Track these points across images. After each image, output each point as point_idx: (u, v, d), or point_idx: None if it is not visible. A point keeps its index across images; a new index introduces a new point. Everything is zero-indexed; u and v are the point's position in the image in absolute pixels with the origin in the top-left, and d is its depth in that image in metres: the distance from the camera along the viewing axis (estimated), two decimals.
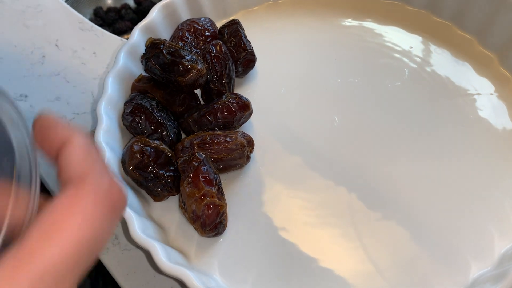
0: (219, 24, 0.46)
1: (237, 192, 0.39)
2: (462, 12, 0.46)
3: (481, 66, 0.44)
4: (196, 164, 0.35)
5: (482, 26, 0.45)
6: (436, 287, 0.34)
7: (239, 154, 0.38)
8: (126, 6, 0.89)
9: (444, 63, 0.45)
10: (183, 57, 0.39)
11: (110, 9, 0.89)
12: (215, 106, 0.39)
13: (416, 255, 0.35)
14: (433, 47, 0.46)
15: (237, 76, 0.44)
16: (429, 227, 0.36)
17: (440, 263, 0.35)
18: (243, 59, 0.43)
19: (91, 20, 0.87)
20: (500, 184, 0.38)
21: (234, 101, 0.40)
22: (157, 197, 0.38)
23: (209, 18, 0.46)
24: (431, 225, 0.36)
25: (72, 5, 0.85)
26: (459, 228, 0.36)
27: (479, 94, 0.43)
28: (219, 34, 0.45)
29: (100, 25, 0.85)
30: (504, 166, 0.39)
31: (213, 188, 0.35)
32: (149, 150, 0.37)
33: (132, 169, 0.36)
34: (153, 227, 0.36)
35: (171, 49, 0.40)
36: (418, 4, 0.47)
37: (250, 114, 0.41)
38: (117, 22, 0.89)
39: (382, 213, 0.37)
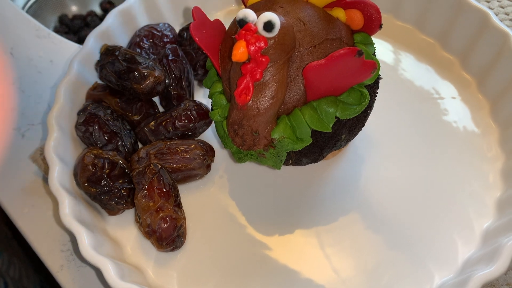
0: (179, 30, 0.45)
1: (197, 203, 0.38)
2: (424, 17, 0.46)
3: (444, 70, 0.44)
4: (151, 175, 0.34)
5: (444, 31, 0.45)
6: None
7: (199, 164, 0.37)
8: (92, 13, 0.87)
9: (408, 67, 0.45)
10: (140, 63, 0.38)
11: (75, 17, 0.87)
12: (173, 114, 0.38)
13: (379, 264, 0.34)
14: (396, 51, 0.46)
15: (196, 79, 0.43)
16: (392, 235, 0.35)
17: (403, 272, 0.34)
18: (203, 61, 0.42)
19: (55, 27, 0.84)
20: (464, 189, 0.37)
21: (193, 108, 0.38)
22: (112, 211, 0.36)
23: (168, 24, 0.44)
24: (395, 233, 0.36)
25: (35, 12, 0.82)
26: (422, 236, 0.35)
27: (442, 98, 0.42)
28: (179, 36, 0.44)
29: (66, 33, 0.83)
30: (468, 171, 0.38)
31: (169, 201, 0.34)
32: (102, 162, 0.35)
33: (84, 182, 0.35)
34: (107, 243, 0.34)
35: (127, 56, 0.38)
36: (382, 9, 0.47)
37: (210, 122, 0.39)
38: (83, 29, 0.87)
39: (344, 221, 0.36)
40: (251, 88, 0.30)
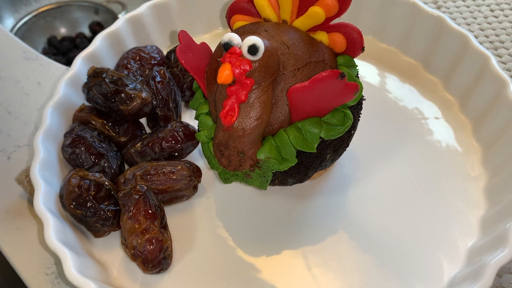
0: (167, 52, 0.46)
1: (183, 225, 0.38)
2: (407, 39, 0.47)
3: (427, 91, 0.45)
4: (137, 197, 0.34)
5: (426, 53, 0.46)
6: None
7: (185, 185, 0.37)
8: (81, 35, 0.87)
9: (392, 88, 0.46)
10: (127, 85, 0.38)
11: (64, 38, 0.87)
12: (160, 135, 0.38)
13: (366, 284, 0.34)
14: (380, 73, 0.47)
15: (184, 101, 0.43)
16: (379, 254, 0.36)
17: None
18: (190, 83, 0.42)
19: (44, 49, 0.84)
20: (449, 209, 0.38)
21: (180, 129, 0.39)
22: (98, 233, 0.36)
23: (156, 46, 0.45)
24: (381, 253, 0.36)
25: (24, 34, 0.83)
26: (408, 255, 0.35)
27: (425, 118, 0.43)
28: (166, 58, 0.44)
29: (54, 54, 0.83)
30: (452, 191, 0.39)
31: (155, 222, 0.34)
32: (88, 183, 0.35)
33: (70, 204, 0.35)
34: (93, 265, 0.34)
35: (114, 78, 0.39)
36: (365, 31, 0.48)
37: (198, 143, 0.40)
38: (71, 51, 0.87)
39: (331, 241, 0.36)
40: (237, 110, 0.30)
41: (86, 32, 0.88)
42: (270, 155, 0.32)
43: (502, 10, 0.54)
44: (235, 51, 0.29)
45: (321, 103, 0.31)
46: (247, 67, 0.29)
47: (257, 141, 0.32)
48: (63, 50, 0.85)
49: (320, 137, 0.32)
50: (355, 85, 0.30)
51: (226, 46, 0.30)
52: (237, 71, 0.29)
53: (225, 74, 0.29)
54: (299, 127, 0.32)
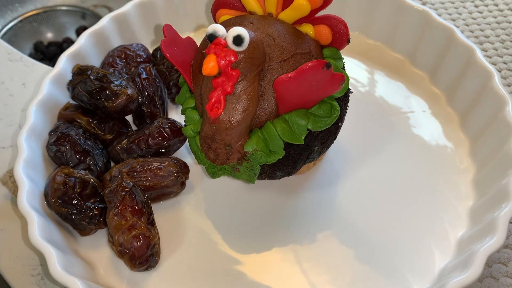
0: (153, 50, 0.45)
1: (171, 222, 0.37)
2: (393, 35, 0.47)
3: (414, 85, 0.45)
4: (123, 193, 0.33)
5: (413, 48, 0.46)
6: None
7: (173, 181, 0.36)
8: (68, 40, 0.87)
9: (379, 83, 0.46)
10: (112, 82, 0.38)
11: (51, 43, 0.87)
12: (146, 131, 0.38)
13: (356, 277, 0.34)
14: (367, 69, 0.47)
15: (170, 98, 0.43)
16: (369, 247, 0.35)
17: (381, 284, 0.33)
18: (176, 80, 0.42)
19: (30, 54, 0.84)
20: (439, 200, 0.38)
21: (166, 126, 0.38)
22: (84, 231, 0.35)
23: (141, 44, 0.45)
24: (371, 246, 0.35)
25: (9, 40, 0.82)
26: (399, 247, 0.35)
27: (413, 112, 0.43)
28: (152, 56, 0.44)
29: (41, 60, 0.82)
30: (442, 183, 0.39)
31: (142, 219, 0.33)
32: (73, 181, 0.34)
33: (55, 202, 0.34)
34: (79, 264, 0.33)
35: (99, 75, 0.38)
36: (352, 27, 0.48)
37: (184, 140, 0.39)
38: (58, 56, 0.86)
39: (320, 236, 0.36)
40: (223, 102, 0.30)
41: (73, 37, 0.87)
42: (258, 147, 0.31)
43: (486, 5, 0.54)
44: (220, 42, 0.29)
45: (307, 94, 0.31)
46: (233, 58, 0.29)
47: (244, 133, 0.31)
48: (49, 55, 0.85)
49: (308, 129, 0.32)
50: (341, 76, 0.30)
51: (210, 37, 0.29)
52: (222, 62, 0.29)
53: (210, 65, 0.29)
54: (286, 119, 0.32)
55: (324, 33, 0.33)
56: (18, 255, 0.37)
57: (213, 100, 0.30)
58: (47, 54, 0.86)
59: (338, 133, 0.36)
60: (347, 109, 0.36)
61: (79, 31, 0.86)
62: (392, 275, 0.34)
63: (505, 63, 0.48)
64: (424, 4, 0.54)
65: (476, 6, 0.54)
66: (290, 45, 0.32)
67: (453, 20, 0.53)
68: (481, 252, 0.30)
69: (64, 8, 0.89)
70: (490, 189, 0.35)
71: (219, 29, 0.29)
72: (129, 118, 0.42)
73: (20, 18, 0.85)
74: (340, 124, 0.35)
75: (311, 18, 0.33)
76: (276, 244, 0.36)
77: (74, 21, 0.89)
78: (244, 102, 0.30)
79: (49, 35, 0.89)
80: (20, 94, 0.48)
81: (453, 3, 0.55)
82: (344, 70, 0.35)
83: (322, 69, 0.29)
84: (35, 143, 0.37)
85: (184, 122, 0.35)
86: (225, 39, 0.29)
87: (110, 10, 0.88)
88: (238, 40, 0.29)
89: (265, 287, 0.34)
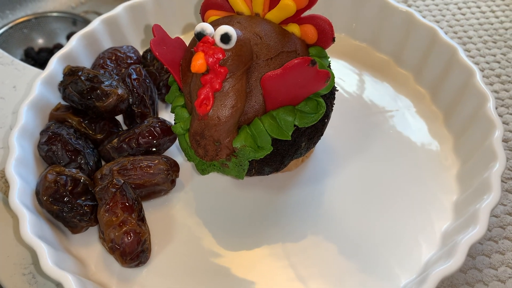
0: (143, 52, 0.46)
1: (162, 220, 0.38)
2: (378, 36, 0.48)
3: (399, 85, 0.46)
4: (114, 190, 0.34)
5: (397, 48, 0.47)
6: None
7: (163, 179, 0.37)
8: (58, 46, 0.87)
9: (365, 83, 0.47)
10: (102, 82, 0.38)
11: (42, 49, 0.87)
12: (136, 130, 0.38)
13: (345, 270, 0.35)
14: (354, 69, 0.48)
15: (160, 98, 0.44)
16: (356, 241, 0.36)
17: (369, 277, 0.34)
18: (166, 80, 0.43)
19: (21, 60, 0.84)
20: (425, 195, 0.38)
21: (157, 125, 0.39)
22: (75, 229, 0.36)
23: (132, 46, 0.45)
24: (359, 240, 0.36)
25: (0, 46, 0.82)
26: (387, 241, 0.36)
27: (398, 110, 0.44)
28: (142, 58, 0.45)
29: (32, 66, 0.82)
30: (428, 178, 0.39)
31: (133, 215, 0.34)
32: (64, 179, 0.35)
33: (46, 200, 0.34)
34: (70, 260, 0.34)
35: (89, 75, 0.39)
36: (337, 29, 0.49)
37: (174, 139, 0.40)
38: None
39: (309, 231, 0.37)
40: (211, 98, 0.31)
41: (64, 43, 0.88)
42: (246, 143, 0.32)
43: (469, 8, 0.56)
44: (208, 40, 0.30)
45: (294, 91, 0.32)
46: (220, 56, 0.30)
47: (233, 129, 0.32)
48: (40, 61, 0.85)
49: (295, 125, 0.33)
50: (326, 72, 0.31)
51: (199, 36, 0.30)
52: (210, 59, 0.30)
53: (198, 63, 0.30)
54: (274, 115, 0.32)
55: (310, 32, 0.34)
56: (9, 254, 0.38)
57: (202, 96, 0.31)
58: (38, 60, 0.86)
59: (324, 130, 0.36)
60: (333, 106, 0.36)
61: (69, 37, 0.86)
62: (380, 268, 0.35)
63: (487, 62, 0.50)
64: (409, 6, 0.55)
65: (459, 8, 0.56)
66: (277, 44, 0.33)
67: (437, 21, 0.54)
68: (463, 242, 0.31)
69: (54, 14, 0.89)
70: (473, 182, 0.36)
71: (207, 27, 0.30)
72: (119, 118, 0.42)
73: (10, 25, 0.85)
74: (326, 120, 0.36)
75: (297, 18, 0.34)
76: (265, 239, 0.37)
77: (65, 27, 0.89)
78: (232, 98, 0.31)
79: (40, 41, 0.89)
80: (11, 97, 0.48)
81: (437, 5, 0.56)
82: (330, 68, 0.36)
83: (307, 66, 0.30)
84: (26, 143, 0.38)
85: (174, 120, 0.35)
86: (213, 37, 0.30)
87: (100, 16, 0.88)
88: (225, 38, 0.30)
89: (254, 281, 0.34)
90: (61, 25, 0.89)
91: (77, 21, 0.88)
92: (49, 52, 0.86)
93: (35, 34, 0.88)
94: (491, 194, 0.33)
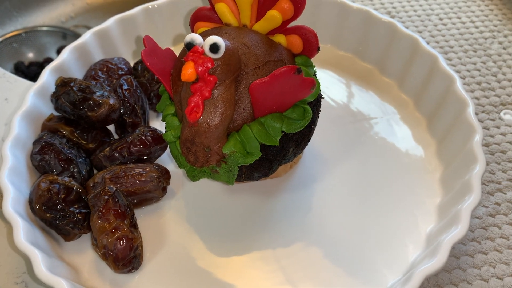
0: (134, 63, 0.47)
1: (154, 227, 0.38)
2: (362, 46, 0.50)
3: (383, 93, 0.48)
4: (106, 197, 0.35)
5: (381, 57, 0.49)
6: None
7: (154, 186, 0.38)
8: (49, 60, 0.88)
9: (351, 91, 0.48)
10: (94, 92, 0.39)
11: (32, 63, 0.87)
12: (128, 139, 0.39)
13: (333, 272, 0.35)
14: (339, 78, 0.49)
15: (151, 108, 0.44)
16: (345, 244, 0.37)
17: (357, 278, 0.35)
18: (157, 91, 0.44)
19: None
20: (411, 199, 0.40)
21: (148, 133, 0.40)
22: (68, 236, 0.36)
23: (123, 58, 0.46)
24: (347, 242, 0.37)
25: None
26: (374, 243, 0.37)
27: (382, 117, 0.46)
28: (133, 69, 0.45)
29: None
30: (413, 182, 0.41)
31: (125, 221, 0.34)
32: (57, 187, 0.35)
33: (40, 208, 0.35)
34: (64, 267, 0.34)
35: (81, 86, 0.40)
36: (323, 40, 0.51)
37: (166, 147, 0.41)
38: (39, 76, 0.87)
39: (298, 234, 0.38)
40: (201, 106, 0.32)
41: (54, 57, 0.88)
42: (235, 149, 0.33)
43: (450, 18, 0.58)
44: (198, 50, 0.31)
45: (281, 98, 0.33)
46: (210, 65, 0.31)
47: (222, 136, 0.33)
48: (30, 75, 0.85)
49: (282, 131, 0.34)
50: (312, 80, 0.32)
51: (188, 46, 0.31)
52: (200, 68, 0.31)
53: (188, 71, 0.31)
54: (262, 122, 0.33)
55: (296, 42, 0.36)
56: (2, 264, 0.38)
57: (192, 104, 0.32)
58: (28, 74, 0.86)
59: (311, 135, 0.38)
60: (319, 113, 0.38)
61: (60, 51, 0.87)
62: (368, 269, 0.35)
63: (468, 71, 0.52)
64: (392, 17, 0.57)
65: (441, 19, 0.58)
66: (264, 53, 0.34)
67: (420, 32, 0.56)
68: (446, 241, 0.32)
69: (45, 28, 0.90)
70: (455, 185, 0.38)
71: (196, 38, 0.31)
72: (111, 128, 0.43)
73: (0, 39, 0.86)
74: (313, 127, 0.37)
75: (283, 28, 0.36)
76: (255, 244, 0.37)
77: (55, 41, 0.90)
78: (222, 106, 0.32)
79: (30, 55, 0.89)
80: (3, 109, 0.49)
81: (419, 16, 0.58)
82: (315, 76, 0.37)
83: (293, 74, 0.31)
84: (19, 152, 0.38)
85: (165, 128, 0.36)
86: (202, 47, 0.31)
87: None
88: (214, 47, 0.31)
89: (245, 285, 0.35)
90: (51, 39, 0.89)
91: (67, 35, 0.89)
92: (39, 66, 0.87)
93: (25, 48, 0.88)
94: (472, 195, 0.34)
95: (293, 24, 0.36)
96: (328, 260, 0.36)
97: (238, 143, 0.33)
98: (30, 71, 0.86)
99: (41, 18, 0.92)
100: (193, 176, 0.35)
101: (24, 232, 0.33)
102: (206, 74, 0.31)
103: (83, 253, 0.36)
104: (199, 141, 0.33)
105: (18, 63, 0.86)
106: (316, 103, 0.37)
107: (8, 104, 0.49)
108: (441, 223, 0.36)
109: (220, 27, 0.36)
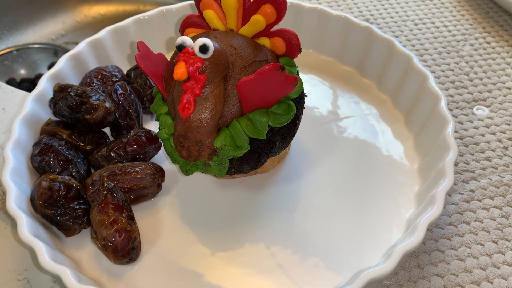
0: (127, 71, 0.49)
1: (150, 221, 0.40)
2: (342, 50, 0.53)
3: (364, 93, 0.50)
4: (105, 192, 0.37)
5: (360, 60, 0.52)
6: None
7: (150, 183, 0.40)
8: (40, 76, 0.89)
9: (333, 93, 0.51)
10: (91, 97, 0.42)
11: (23, 80, 0.89)
12: (124, 140, 0.41)
13: (321, 256, 0.38)
14: (322, 81, 0.52)
15: (144, 112, 0.47)
16: (332, 231, 0.39)
17: (344, 261, 0.37)
18: (150, 95, 0.46)
19: None
20: (391, 189, 0.42)
21: (142, 134, 0.42)
22: (69, 232, 0.38)
23: (116, 66, 0.49)
24: (334, 229, 0.39)
25: None
26: (360, 228, 0.39)
27: (364, 116, 0.48)
28: (127, 76, 0.48)
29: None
30: (394, 173, 0.43)
31: (123, 214, 0.36)
32: (58, 185, 0.37)
33: (41, 204, 0.37)
34: (65, 259, 0.36)
35: (78, 91, 0.42)
36: (306, 46, 0.54)
37: (159, 147, 0.43)
38: (31, 92, 0.88)
39: (287, 223, 0.40)
40: (193, 103, 0.34)
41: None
42: (226, 143, 0.35)
43: (424, 23, 0.61)
44: (188, 51, 0.34)
45: (267, 94, 0.36)
46: (200, 64, 0.34)
47: (213, 131, 0.36)
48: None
49: (269, 125, 0.36)
50: (294, 77, 0.35)
51: (179, 47, 0.34)
52: (191, 68, 0.34)
53: (180, 71, 0.33)
54: (250, 117, 0.36)
55: (279, 44, 0.38)
56: (4, 262, 0.40)
57: (184, 101, 0.34)
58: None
59: (296, 130, 0.40)
60: (303, 109, 0.40)
61: (51, 68, 0.89)
62: (354, 252, 0.38)
63: (442, 71, 0.55)
64: (370, 23, 0.61)
65: (416, 24, 0.61)
66: (250, 54, 0.37)
67: (396, 36, 0.59)
68: (423, 221, 0.34)
69: (36, 46, 0.91)
70: (431, 173, 0.40)
71: (187, 40, 0.34)
72: (107, 130, 0.45)
73: None
74: (297, 122, 0.40)
75: (267, 32, 0.39)
76: (247, 234, 0.40)
77: (46, 58, 0.91)
78: (212, 102, 0.35)
79: (22, 72, 0.90)
80: (1, 118, 0.51)
81: (395, 22, 0.61)
82: (298, 75, 0.40)
83: (277, 71, 0.34)
84: (20, 155, 0.40)
85: (159, 126, 0.39)
86: (192, 48, 0.34)
87: None
88: (204, 48, 0.34)
89: (238, 272, 0.37)
90: (42, 56, 0.91)
91: (58, 52, 0.90)
92: (31, 82, 0.88)
93: (17, 66, 0.89)
94: (446, 178, 0.37)
95: (276, 27, 0.38)
96: (317, 245, 0.39)
97: (228, 137, 0.36)
98: (22, 88, 0.87)
99: (32, 36, 0.93)
100: (186, 171, 0.38)
101: (27, 226, 0.34)
102: (197, 73, 0.34)
103: (83, 247, 0.38)
104: (192, 136, 0.35)
105: (10, 80, 0.88)
106: (299, 100, 0.39)
107: (6, 113, 0.51)
108: (419, 208, 0.39)
109: (208, 31, 0.39)
